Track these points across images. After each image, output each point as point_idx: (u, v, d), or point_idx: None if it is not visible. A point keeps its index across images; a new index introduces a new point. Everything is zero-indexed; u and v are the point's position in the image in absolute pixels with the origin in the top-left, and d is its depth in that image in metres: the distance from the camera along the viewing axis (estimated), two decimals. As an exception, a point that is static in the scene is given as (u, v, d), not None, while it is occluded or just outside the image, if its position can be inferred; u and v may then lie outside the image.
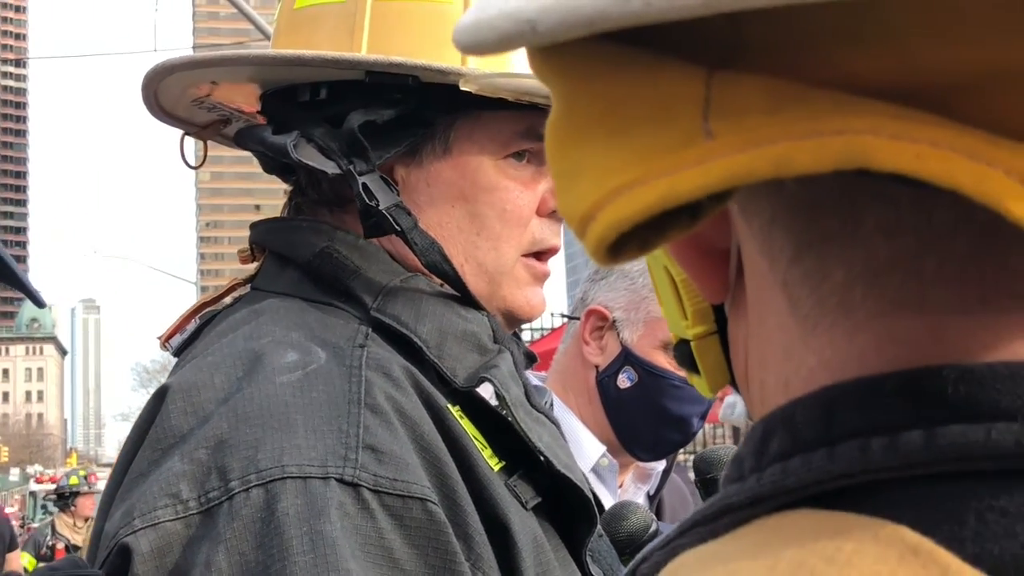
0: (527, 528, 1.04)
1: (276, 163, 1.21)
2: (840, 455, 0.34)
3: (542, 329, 9.65)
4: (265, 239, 1.19)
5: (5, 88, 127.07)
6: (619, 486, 1.97)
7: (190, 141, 1.30)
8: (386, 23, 1.13)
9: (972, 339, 0.34)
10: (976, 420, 0.33)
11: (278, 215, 1.23)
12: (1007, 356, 0.34)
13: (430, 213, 1.13)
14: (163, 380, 1.12)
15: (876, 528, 0.32)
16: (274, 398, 0.96)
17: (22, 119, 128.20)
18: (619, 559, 1.21)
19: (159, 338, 1.21)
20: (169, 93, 1.19)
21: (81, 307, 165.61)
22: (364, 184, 1.08)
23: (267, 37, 8.56)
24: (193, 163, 1.31)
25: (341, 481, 0.92)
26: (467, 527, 0.97)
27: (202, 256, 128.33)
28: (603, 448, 1.89)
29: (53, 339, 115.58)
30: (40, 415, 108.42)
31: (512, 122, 1.13)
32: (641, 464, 2.02)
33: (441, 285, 1.12)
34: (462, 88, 1.06)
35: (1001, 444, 0.32)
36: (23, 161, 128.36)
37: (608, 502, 1.77)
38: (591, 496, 1.11)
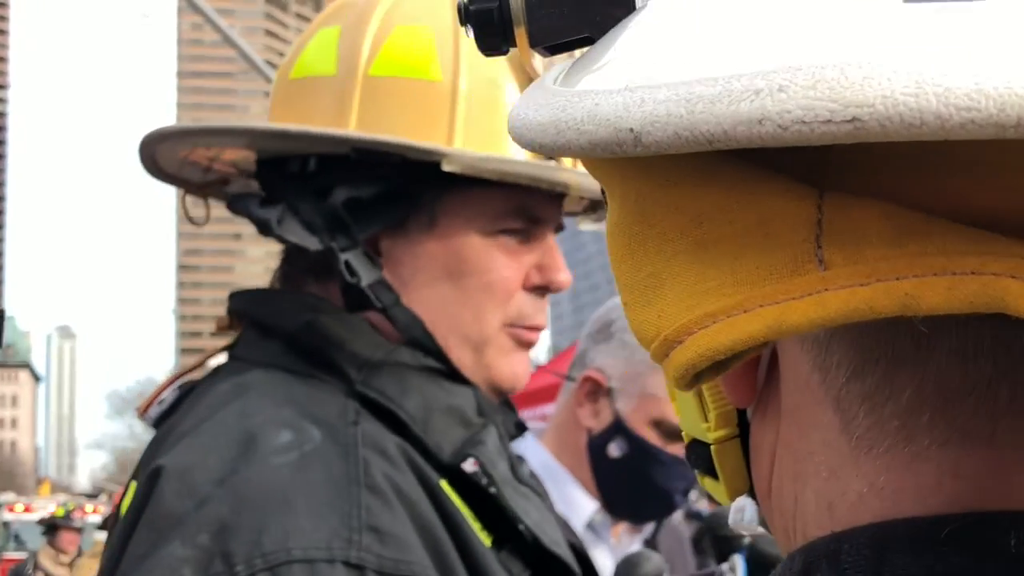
0: None
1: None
2: None
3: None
4: (247, 308, 1.19)
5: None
6: (613, 536, 2.03)
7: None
8: (376, 98, 1.14)
9: None
10: None
11: (259, 286, 1.24)
12: None
13: (414, 286, 1.13)
14: (137, 407, 1.16)
15: None
16: (273, 480, 0.98)
17: (2, 143, 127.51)
18: None
19: (137, 409, 1.21)
20: (166, 154, 1.21)
21: (56, 334, 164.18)
22: (346, 261, 1.10)
23: (253, 66, 8.46)
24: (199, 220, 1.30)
25: (347, 564, 0.94)
26: None
27: (181, 285, 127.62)
28: (596, 504, 1.93)
29: (27, 365, 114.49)
30: (13, 442, 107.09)
31: (502, 200, 1.13)
32: None
33: (425, 356, 1.13)
34: (444, 169, 1.07)
35: None
36: (0, 184, 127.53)
37: (604, 556, 1.90)
38: (579, 572, 1.13)
